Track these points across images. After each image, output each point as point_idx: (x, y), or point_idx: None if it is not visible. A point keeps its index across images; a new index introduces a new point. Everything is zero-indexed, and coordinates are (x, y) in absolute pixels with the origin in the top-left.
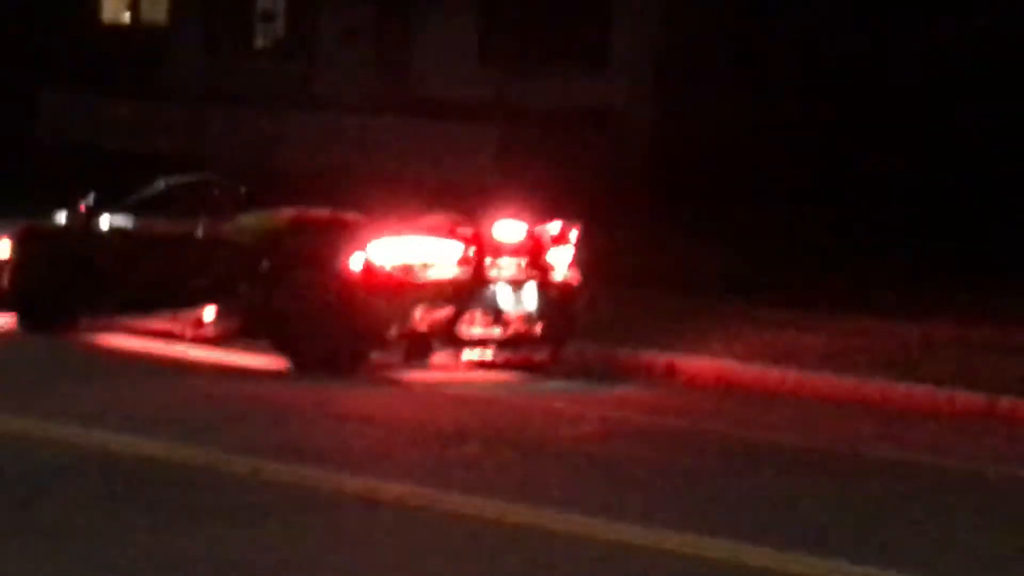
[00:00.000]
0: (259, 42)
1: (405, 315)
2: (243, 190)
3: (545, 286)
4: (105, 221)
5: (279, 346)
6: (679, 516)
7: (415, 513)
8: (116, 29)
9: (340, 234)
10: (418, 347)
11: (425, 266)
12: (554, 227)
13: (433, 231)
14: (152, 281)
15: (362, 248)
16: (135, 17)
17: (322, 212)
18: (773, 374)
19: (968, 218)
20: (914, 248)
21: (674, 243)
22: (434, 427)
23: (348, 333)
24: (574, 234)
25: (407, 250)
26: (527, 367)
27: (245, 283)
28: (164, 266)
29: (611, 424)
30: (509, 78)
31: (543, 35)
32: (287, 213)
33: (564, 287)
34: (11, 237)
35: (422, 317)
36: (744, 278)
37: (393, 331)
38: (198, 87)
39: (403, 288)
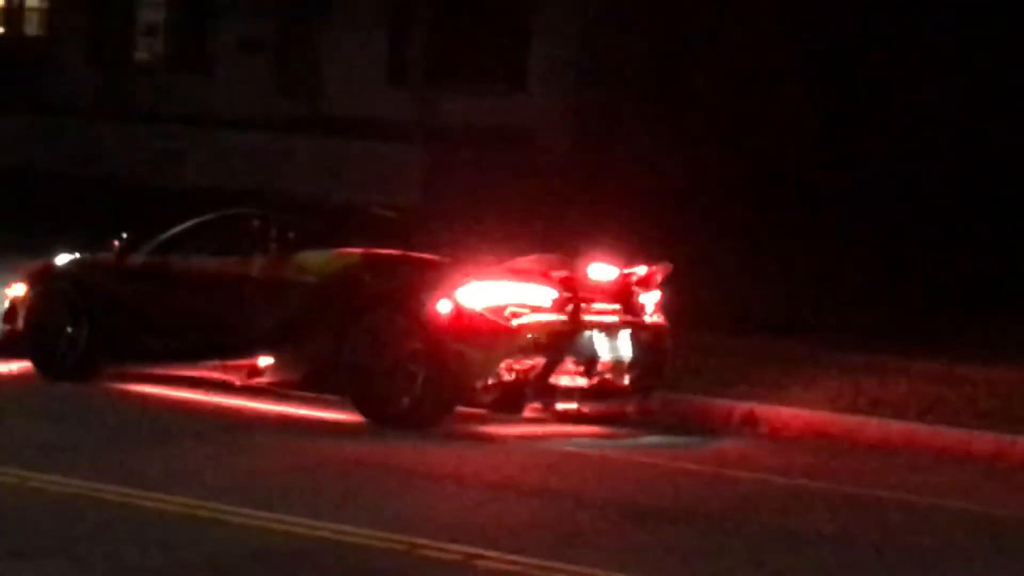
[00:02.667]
0: (147, 55)
1: (498, 364)
2: (292, 226)
3: (637, 332)
4: (139, 260)
5: (355, 399)
6: None
7: None
8: None
9: (420, 275)
10: (510, 398)
11: (518, 311)
12: (640, 269)
13: (525, 274)
14: (198, 325)
15: (450, 292)
16: (12, 29)
17: (392, 251)
18: (871, 425)
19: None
20: (946, 271)
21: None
22: (598, 499)
23: (435, 384)
24: (658, 277)
25: (498, 294)
26: (615, 418)
27: (312, 329)
28: (213, 309)
29: (764, 488)
30: (423, 97)
31: (457, 52)
32: (355, 251)
33: (655, 332)
34: (27, 277)
35: (516, 366)
36: (781, 312)
37: (484, 382)
38: (85, 101)
39: (497, 335)
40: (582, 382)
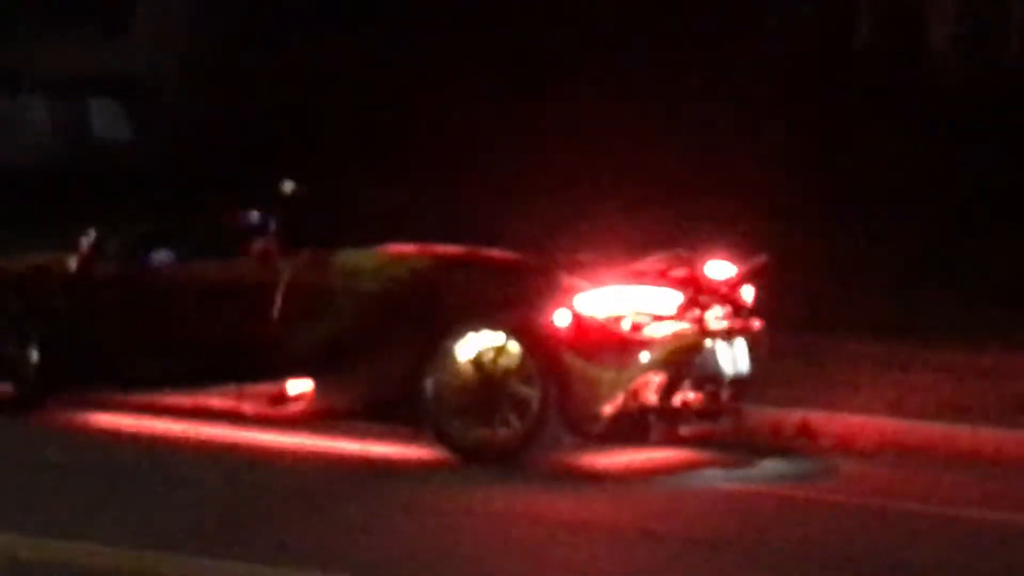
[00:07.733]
0: None
1: (630, 384)
2: (298, 221)
3: (748, 338)
4: (112, 265)
5: (439, 431)
6: None
7: None
8: None
9: (520, 281)
10: (634, 424)
11: (641, 321)
12: (731, 265)
13: (645, 276)
14: (203, 344)
15: (567, 300)
16: None
17: (456, 249)
18: (963, 433)
19: None
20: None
21: None
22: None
23: (553, 411)
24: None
25: (619, 301)
26: (702, 440)
27: (376, 346)
28: (225, 323)
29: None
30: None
31: None
32: (413, 250)
33: (758, 338)
34: None
35: (644, 386)
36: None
37: (610, 406)
38: None
39: (629, 350)
40: (706, 399)
